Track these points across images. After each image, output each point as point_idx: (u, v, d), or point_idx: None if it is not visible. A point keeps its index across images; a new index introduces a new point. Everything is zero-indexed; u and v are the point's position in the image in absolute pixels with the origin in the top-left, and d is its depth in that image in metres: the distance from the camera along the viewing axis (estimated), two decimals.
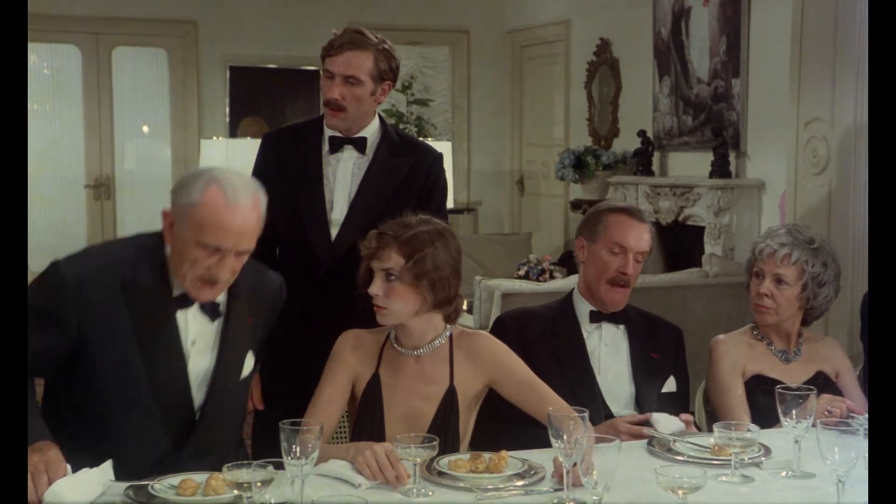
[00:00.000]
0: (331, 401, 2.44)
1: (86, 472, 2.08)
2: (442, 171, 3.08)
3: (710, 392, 2.92)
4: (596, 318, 2.85)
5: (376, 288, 2.41)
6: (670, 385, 2.83)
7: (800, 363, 2.93)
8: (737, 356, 2.90)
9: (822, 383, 2.88)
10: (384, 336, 2.50)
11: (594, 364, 2.80)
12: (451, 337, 2.48)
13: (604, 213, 2.86)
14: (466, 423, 2.48)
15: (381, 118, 3.07)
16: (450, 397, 2.42)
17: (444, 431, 2.35)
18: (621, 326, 2.85)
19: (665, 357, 2.86)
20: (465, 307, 2.65)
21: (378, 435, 2.40)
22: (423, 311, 2.41)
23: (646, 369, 2.81)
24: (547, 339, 2.81)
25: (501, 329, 2.83)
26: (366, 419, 2.46)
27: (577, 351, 2.80)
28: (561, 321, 2.85)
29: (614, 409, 2.74)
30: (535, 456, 2.29)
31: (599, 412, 2.66)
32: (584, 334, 2.84)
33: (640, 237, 2.81)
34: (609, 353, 2.82)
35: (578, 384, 2.73)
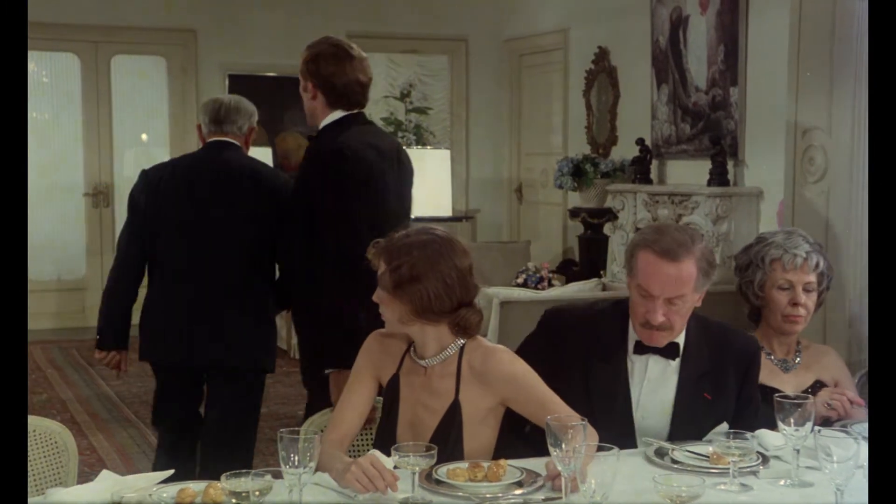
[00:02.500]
0: (353, 398, 2.48)
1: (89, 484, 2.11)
2: (306, 159, 3.16)
3: None
4: (640, 349, 2.56)
5: (375, 296, 2.44)
6: (720, 430, 2.44)
7: (798, 372, 2.94)
8: None
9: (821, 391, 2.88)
10: (408, 342, 2.50)
11: (633, 403, 2.54)
12: (461, 350, 2.44)
13: (637, 248, 2.54)
14: (480, 437, 2.42)
15: (335, 119, 3.16)
16: (453, 412, 2.40)
17: (444, 445, 2.33)
18: (673, 362, 2.55)
19: (721, 398, 2.55)
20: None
21: (390, 435, 2.43)
22: (411, 322, 2.39)
23: (691, 413, 2.53)
24: (586, 358, 2.57)
25: (547, 323, 2.69)
26: (385, 417, 2.51)
27: (615, 382, 2.54)
28: (608, 341, 2.57)
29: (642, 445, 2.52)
30: (535, 464, 2.28)
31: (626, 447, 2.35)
32: (629, 364, 2.56)
33: (668, 282, 2.45)
34: (651, 391, 2.56)
35: (610, 417, 2.49)
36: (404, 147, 3.42)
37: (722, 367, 2.58)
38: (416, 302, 2.35)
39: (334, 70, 3.12)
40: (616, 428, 2.43)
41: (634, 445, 2.51)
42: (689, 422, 2.53)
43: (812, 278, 2.89)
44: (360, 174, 3.03)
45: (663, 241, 2.48)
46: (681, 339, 2.58)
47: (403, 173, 3.27)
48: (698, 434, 2.51)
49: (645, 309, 2.49)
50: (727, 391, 2.58)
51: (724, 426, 2.49)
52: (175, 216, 3.46)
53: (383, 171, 3.12)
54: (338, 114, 3.16)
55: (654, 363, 2.56)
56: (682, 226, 2.65)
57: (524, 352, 2.67)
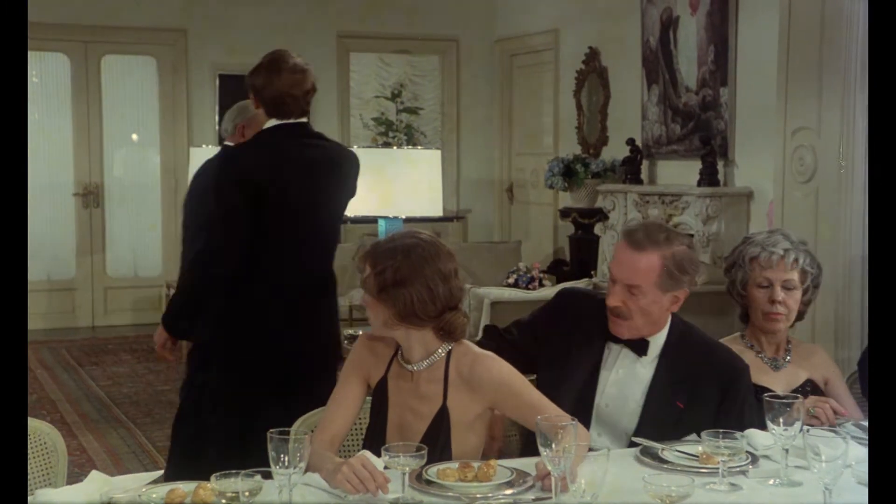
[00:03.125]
0: (342, 399, 2.48)
1: (79, 485, 2.11)
2: None
3: None
4: (612, 338, 2.60)
5: (361, 299, 2.47)
6: (688, 441, 2.45)
7: (789, 370, 2.94)
8: None
9: (811, 391, 2.89)
10: (396, 346, 2.51)
11: (599, 387, 2.59)
12: (449, 355, 2.44)
13: (621, 235, 2.64)
14: (468, 442, 2.43)
15: (267, 128, 3.40)
16: (440, 417, 2.40)
17: (432, 449, 2.33)
18: (646, 359, 2.58)
19: (695, 409, 2.52)
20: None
21: (379, 438, 2.42)
22: (395, 326, 2.40)
23: (660, 417, 2.52)
24: (575, 340, 2.63)
25: (559, 305, 2.75)
26: (373, 421, 2.51)
27: (589, 364, 2.60)
28: (596, 325, 2.61)
29: (598, 441, 2.54)
30: (526, 464, 2.29)
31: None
32: (606, 351, 2.62)
33: (626, 268, 2.53)
34: (618, 381, 2.58)
35: (578, 397, 2.57)
36: (396, 147, 3.56)
37: (699, 378, 2.57)
38: (399, 306, 2.36)
39: (263, 82, 3.34)
40: (578, 408, 2.49)
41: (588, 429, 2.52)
42: (656, 425, 2.52)
43: (791, 276, 2.89)
44: (244, 176, 3.25)
45: (636, 232, 2.56)
46: (659, 341, 2.61)
47: (326, 185, 3.40)
48: (666, 437, 2.48)
49: (609, 292, 2.57)
50: (703, 404, 2.55)
51: (693, 438, 2.44)
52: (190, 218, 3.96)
53: (287, 180, 3.30)
54: (272, 122, 3.36)
55: (624, 356, 2.59)
56: (668, 226, 2.66)
57: (530, 322, 2.75)
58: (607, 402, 2.60)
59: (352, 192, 3.55)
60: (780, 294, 2.87)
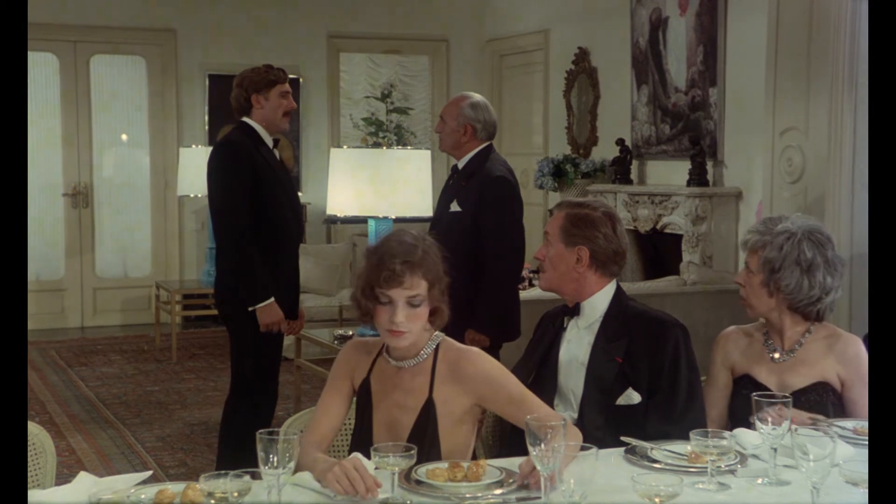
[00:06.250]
0: (330, 401, 2.52)
1: (67, 486, 2.11)
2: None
3: (705, 388, 2.82)
4: (565, 314, 2.85)
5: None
6: (629, 397, 2.67)
7: (794, 367, 2.76)
8: (729, 352, 2.83)
9: (820, 396, 2.71)
10: (380, 346, 2.54)
11: (561, 355, 2.78)
12: (436, 349, 2.48)
13: None
14: (457, 438, 2.46)
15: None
16: (427, 410, 2.42)
17: (421, 444, 2.34)
18: (585, 325, 2.78)
19: (631, 363, 2.69)
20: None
21: (367, 438, 2.44)
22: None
23: (602, 373, 2.70)
24: (544, 322, 2.90)
25: (538, 324, 3.00)
26: (359, 421, 2.53)
27: (550, 341, 2.82)
28: (560, 314, 2.86)
29: (559, 410, 2.70)
30: (515, 464, 2.29)
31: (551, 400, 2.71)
32: (563, 332, 2.82)
33: (549, 224, 2.90)
34: (567, 351, 2.78)
35: (539, 376, 2.78)
36: (386, 147, 3.78)
37: (635, 336, 2.73)
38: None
39: None
40: (547, 381, 2.75)
41: (553, 395, 2.74)
42: (599, 382, 2.70)
43: (750, 259, 2.81)
44: None
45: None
46: (595, 306, 2.80)
47: None
48: (609, 394, 2.68)
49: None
50: (638, 359, 2.70)
51: (631, 392, 2.66)
52: None
53: None
54: None
55: (571, 327, 2.82)
56: (593, 200, 2.98)
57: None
58: (562, 369, 2.79)
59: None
60: (741, 276, 2.85)
